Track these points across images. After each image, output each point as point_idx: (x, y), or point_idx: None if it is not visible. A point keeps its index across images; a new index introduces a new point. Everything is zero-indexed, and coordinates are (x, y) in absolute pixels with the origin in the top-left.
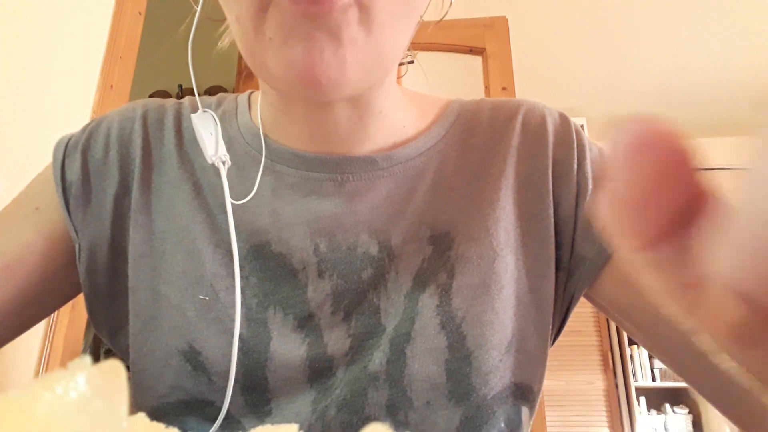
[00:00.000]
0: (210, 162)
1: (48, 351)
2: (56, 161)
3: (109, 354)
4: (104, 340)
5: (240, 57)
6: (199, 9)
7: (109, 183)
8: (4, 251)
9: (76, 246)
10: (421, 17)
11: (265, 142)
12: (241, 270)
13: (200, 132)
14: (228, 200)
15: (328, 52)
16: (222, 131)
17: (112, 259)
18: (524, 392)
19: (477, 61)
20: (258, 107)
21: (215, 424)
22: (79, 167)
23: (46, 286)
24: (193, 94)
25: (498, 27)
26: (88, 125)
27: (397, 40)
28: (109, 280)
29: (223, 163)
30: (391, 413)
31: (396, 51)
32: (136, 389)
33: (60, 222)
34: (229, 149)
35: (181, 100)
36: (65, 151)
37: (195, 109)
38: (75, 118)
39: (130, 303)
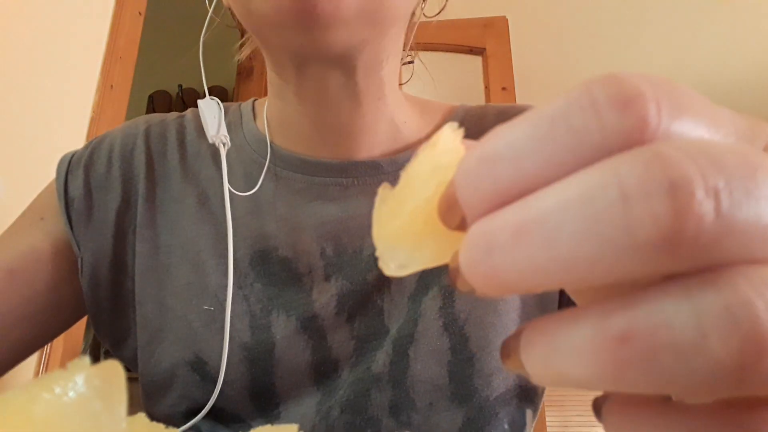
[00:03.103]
0: (211, 142)
1: (48, 351)
2: (59, 177)
3: (109, 354)
4: (109, 350)
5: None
6: (210, 13)
7: (111, 198)
8: (9, 257)
9: (79, 260)
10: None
11: (271, 148)
12: (245, 277)
13: (205, 114)
14: (226, 187)
15: None
16: (229, 141)
17: (113, 273)
18: (529, 394)
19: (477, 61)
20: (264, 112)
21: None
22: (81, 183)
23: (50, 297)
24: (193, 94)
25: (498, 27)
26: (91, 142)
27: None
28: (111, 293)
29: (224, 144)
30: (394, 414)
31: (397, 5)
32: (146, 399)
33: (64, 232)
34: (236, 157)
35: (183, 113)
36: (68, 167)
37: (197, 120)
38: (75, 118)
39: (138, 316)
